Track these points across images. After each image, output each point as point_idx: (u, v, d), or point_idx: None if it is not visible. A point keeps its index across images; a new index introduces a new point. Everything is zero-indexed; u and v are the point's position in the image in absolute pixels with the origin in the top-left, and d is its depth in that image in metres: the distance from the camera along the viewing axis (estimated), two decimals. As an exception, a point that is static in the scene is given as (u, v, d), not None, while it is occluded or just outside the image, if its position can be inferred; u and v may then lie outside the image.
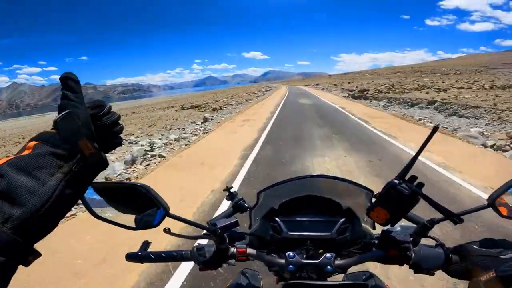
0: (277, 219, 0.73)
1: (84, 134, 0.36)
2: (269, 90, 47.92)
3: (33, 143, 0.35)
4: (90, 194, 0.53)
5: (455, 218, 0.55)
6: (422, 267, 0.63)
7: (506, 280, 0.45)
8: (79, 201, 0.42)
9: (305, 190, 0.78)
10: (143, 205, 0.55)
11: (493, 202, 0.57)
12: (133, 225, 0.57)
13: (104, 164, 0.39)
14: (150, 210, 0.56)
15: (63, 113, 0.36)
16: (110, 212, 0.57)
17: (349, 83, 45.93)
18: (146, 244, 0.70)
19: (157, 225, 0.56)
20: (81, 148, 0.36)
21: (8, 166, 0.32)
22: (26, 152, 0.34)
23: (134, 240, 1.05)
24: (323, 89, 39.83)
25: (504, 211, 0.57)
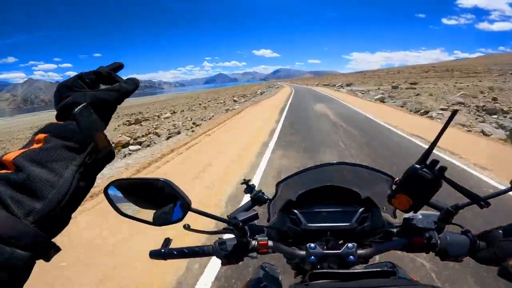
0: (295, 211, 0.72)
1: (100, 126, 0.39)
2: (263, 93, 34.32)
3: (42, 135, 0.35)
4: (115, 189, 0.56)
5: (481, 201, 0.54)
6: (449, 254, 0.62)
7: None
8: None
9: (323, 179, 0.77)
10: (165, 200, 0.56)
11: None
12: (157, 221, 0.57)
13: (112, 156, 0.40)
14: (171, 205, 0.56)
15: (81, 105, 0.38)
16: (131, 208, 0.57)
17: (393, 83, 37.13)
18: (167, 241, 0.71)
19: (181, 219, 0.56)
20: (96, 140, 0.37)
21: (24, 158, 0.32)
22: (38, 145, 0.34)
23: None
24: (362, 92, 24.37)
25: None
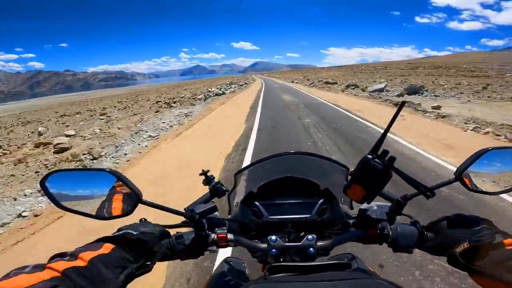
0: (256, 203, 0.72)
1: (137, 248, 0.52)
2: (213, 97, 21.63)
3: (111, 246, 0.49)
4: (53, 181, 0.53)
5: (428, 192, 0.56)
6: (400, 245, 0.63)
7: (479, 249, 0.48)
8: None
9: (283, 170, 0.77)
10: (112, 192, 0.54)
11: (460, 176, 0.57)
12: (102, 214, 0.55)
13: (149, 270, 0.54)
14: (119, 197, 0.55)
15: (118, 233, 0.54)
16: (74, 201, 0.54)
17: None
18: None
19: (130, 212, 0.54)
20: (136, 256, 0.51)
21: (98, 260, 0.45)
22: (105, 251, 0.48)
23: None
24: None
25: (470, 184, 0.59)
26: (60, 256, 0.44)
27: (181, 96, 23.81)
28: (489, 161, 0.59)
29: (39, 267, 0.39)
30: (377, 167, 0.54)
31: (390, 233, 0.64)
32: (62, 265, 0.41)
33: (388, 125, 0.53)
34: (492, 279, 0.45)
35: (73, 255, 0.44)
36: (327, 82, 27.91)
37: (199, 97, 20.56)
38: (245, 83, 37.47)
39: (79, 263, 0.43)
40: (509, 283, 0.42)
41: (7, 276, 0.37)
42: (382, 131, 0.57)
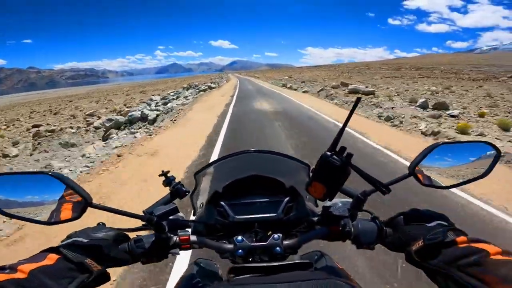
0: (222, 203, 0.70)
1: (89, 255, 0.50)
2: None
3: (56, 257, 0.47)
4: None
5: (383, 188, 0.56)
6: (361, 241, 0.62)
7: (433, 247, 0.49)
8: None
9: (248, 169, 0.75)
10: (58, 196, 0.53)
11: (413, 171, 0.57)
12: (50, 218, 0.53)
13: (107, 278, 0.53)
14: (66, 201, 0.53)
15: (67, 241, 0.53)
16: (17, 206, 0.53)
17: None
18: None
19: (78, 217, 0.52)
20: (87, 265, 0.49)
21: (39, 272, 0.43)
22: (49, 262, 0.46)
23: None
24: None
25: (422, 179, 0.59)
26: (0, 269, 0.43)
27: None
28: (440, 156, 0.60)
29: None
30: (335, 163, 0.54)
31: (352, 229, 0.63)
32: None
33: (344, 123, 0.53)
34: (446, 278, 0.46)
35: (13, 268, 0.43)
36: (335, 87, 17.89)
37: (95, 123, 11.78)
38: (209, 87, 24.43)
39: (18, 275, 0.41)
40: (461, 281, 0.43)
41: None
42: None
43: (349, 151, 0.55)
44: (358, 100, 0.55)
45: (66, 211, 0.53)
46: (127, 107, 18.26)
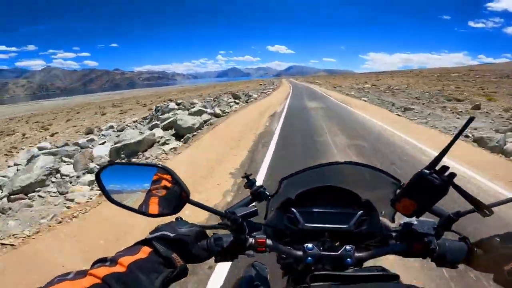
0: (293, 209, 0.70)
1: (175, 250, 0.52)
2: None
3: (148, 250, 0.49)
4: (107, 175, 0.54)
5: (485, 209, 0.53)
6: (446, 260, 0.62)
7: None
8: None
9: (325, 179, 0.76)
10: (162, 189, 0.55)
11: None
12: (150, 211, 0.55)
13: (186, 274, 0.53)
14: (168, 194, 0.55)
15: (156, 234, 0.54)
16: (124, 195, 0.55)
17: None
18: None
19: (178, 211, 0.55)
20: (173, 260, 0.50)
21: (135, 266, 0.45)
22: (143, 255, 0.48)
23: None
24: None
25: None
26: (102, 261, 0.45)
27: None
28: None
29: (81, 274, 0.41)
30: (435, 182, 0.52)
31: (437, 248, 0.61)
32: (102, 271, 0.42)
33: (450, 141, 0.52)
34: None
35: (113, 261, 0.45)
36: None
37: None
38: (247, 100, 18.06)
39: (118, 268, 0.43)
40: None
41: (51, 282, 0.38)
42: None
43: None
44: (471, 120, 0.53)
45: (154, 205, 0.55)
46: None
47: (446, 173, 0.52)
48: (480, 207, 0.54)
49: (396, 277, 0.56)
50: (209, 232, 0.64)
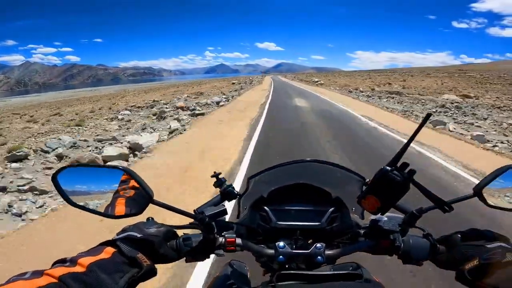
0: (266, 208, 0.71)
1: (140, 250, 0.51)
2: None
3: (112, 250, 0.49)
4: (65, 177, 0.52)
5: (445, 206, 0.55)
6: (410, 257, 0.62)
7: (489, 267, 0.47)
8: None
9: (296, 176, 0.76)
10: (123, 190, 0.54)
11: (479, 192, 0.56)
12: (112, 213, 0.54)
13: (154, 274, 0.53)
14: (130, 196, 0.54)
15: (122, 234, 0.54)
16: (83, 197, 0.54)
17: None
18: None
19: (140, 212, 0.54)
20: (139, 260, 0.50)
21: (96, 266, 0.44)
22: (105, 256, 0.47)
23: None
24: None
25: (490, 200, 0.57)
26: (61, 262, 0.45)
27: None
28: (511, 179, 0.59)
29: (38, 274, 0.40)
30: (396, 179, 0.53)
31: (402, 245, 0.63)
32: (60, 271, 0.41)
33: (409, 138, 0.53)
34: None
35: (73, 261, 0.44)
36: None
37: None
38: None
39: (77, 269, 0.43)
40: None
41: (7, 282, 0.38)
42: None
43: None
44: (428, 116, 0.53)
45: (121, 206, 0.54)
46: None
47: (406, 170, 0.53)
48: (440, 204, 0.56)
49: (359, 276, 0.57)
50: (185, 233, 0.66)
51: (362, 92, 22.52)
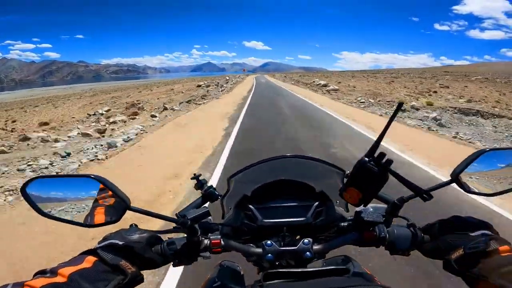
0: (250, 206, 0.70)
1: (124, 257, 0.51)
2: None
3: (93, 259, 0.48)
4: (35, 187, 0.52)
5: (424, 194, 0.55)
6: (396, 247, 0.62)
7: (474, 256, 0.47)
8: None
9: (278, 173, 0.75)
10: (98, 199, 0.54)
11: (456, 178, 0.56)
12: (88, 221, 0.53)
13: (141, 280, 0.52)
14: (106, 204, 0.54)
15: (104, 243, 0.53)
16: (57, 208, 0.53)
17: None
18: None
19: (117, 220, 0.53)
20: (122, 267, 0.49)
21: (77, 275, 0.44)
22: (87, 265, 0.46)
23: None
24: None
25: (467, 186, 0.58)
26: (41, 273, 0.44)
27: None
28: (486, 163, 0.58)
29: (18, 285, 0.40)
30: (374, 170, 0.53)
31: (387, 235, 0.63)
32: (40, 282, 0.41)
33: (384, 128, 0.53)
34: (486, 285, 0.45)
35: (53, 272, 0.44)
36: None
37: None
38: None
39: (58, 279, 0.42)
40: None
41: None
42: None
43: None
44: (400, 105, 0.54)
45: (100, 215, 0.53)
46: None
47: (383, 160, 0.53)
48: (419, 192, 0.56)
49: (347, 270, 0.58)
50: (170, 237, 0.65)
51: (427, 114, 11.14)
